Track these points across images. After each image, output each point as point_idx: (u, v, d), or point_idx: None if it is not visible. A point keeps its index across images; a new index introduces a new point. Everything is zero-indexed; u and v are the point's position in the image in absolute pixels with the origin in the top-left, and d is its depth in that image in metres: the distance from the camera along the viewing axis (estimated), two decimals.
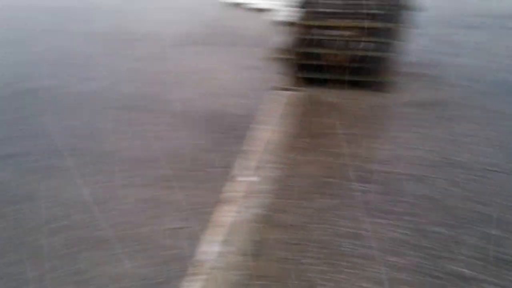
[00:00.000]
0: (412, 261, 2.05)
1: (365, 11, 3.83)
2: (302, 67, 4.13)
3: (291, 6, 3.91)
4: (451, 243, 2.15)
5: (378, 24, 3.80)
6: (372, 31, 3.85)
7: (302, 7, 3.91)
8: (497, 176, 2.68)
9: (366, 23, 3.82)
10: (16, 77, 4.72)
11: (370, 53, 3.92)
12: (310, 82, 4.14)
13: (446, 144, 3.09)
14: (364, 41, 3.93)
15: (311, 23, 3.93)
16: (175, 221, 2.37)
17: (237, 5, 8.15)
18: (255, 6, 7.75)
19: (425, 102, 3.75)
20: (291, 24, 3.94)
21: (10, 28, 7.21)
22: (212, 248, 2.15)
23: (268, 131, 3.33)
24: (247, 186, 2.65)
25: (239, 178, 2.71)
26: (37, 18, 7.87)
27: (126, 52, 5.52)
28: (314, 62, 4.08)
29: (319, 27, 3.97)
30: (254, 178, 2.73)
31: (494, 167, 2.77)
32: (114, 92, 4.25)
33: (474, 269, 1.98)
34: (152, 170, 2.88)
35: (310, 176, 2.76)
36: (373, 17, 3.84)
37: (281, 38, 4.03)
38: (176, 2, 9.02)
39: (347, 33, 3.88)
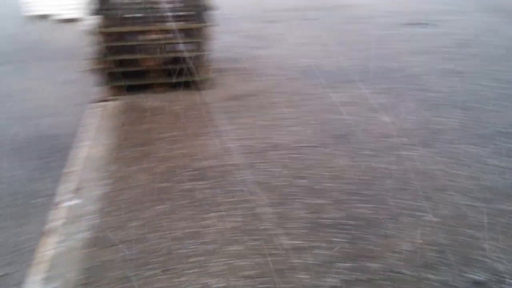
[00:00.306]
0: (251, 245, 2.12)
1: (167, 13, 3.87)
2: (117, 76, 3.95)
3: (94, 14, 3.68)
4: (282, 220, 2.29)
5: (184, 25, 3.88)
6: (179, 33, 3.91)
7: (102, 14, 3.72)
8: (312, 151, 2.97)
9: (171, 25, 3.86)
10: None
11: (181, 54, 3.98)
12: (128, 89, 3.98)
13: (267, 130, 3.31)
14: (173, 43, 3.99)
15: (116, 29, 3.78)
16: None
17: (43, 17, 7.37)
18: (61, 17, 7.12)
19: (242, 94, 3.96)
20: (98, 33, 3.71)
21: None
22: None
23: (90, 146, 3.08)
24: (71, 211, 2.38)
25: (63, 204, 2.43)
26: None
27: None
28: (129, 69, 3.95)
29: (127, 33, 3.86)
30: (78, 201, 2.47)
31: (308, 143, 3.07)
32: None
33: (305, 238, 2.15)
34: None
35: (139, 185, 2.64)
36: (177, 18, 3.91)
37: (92, 48, 3.77)
38: None
39: (154, 36, 3.85)
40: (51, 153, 3.06)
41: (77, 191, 2.56)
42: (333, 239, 2.14)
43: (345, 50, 5.09)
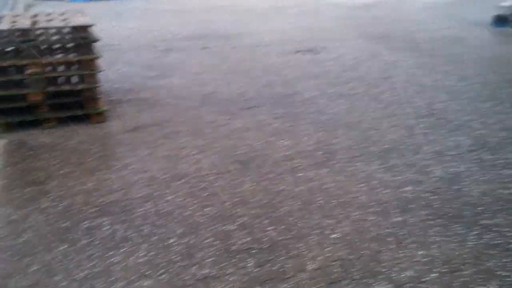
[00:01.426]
0: (161, 279, 2.04)
1: (52, 46, 3.78)
2: (2, 112, 3.64)
3: None
4: (191, 250, 2.25)
5: (70, 58, 3.79)
6: (65, 65, 3.86)
7: None
8: (216, 178, 2.99)
9: (56, 58, 3.78)
10: None
11: (70, 87, 3.86)
12: (15, 126, 3.67)
13: (170, 160, 3.25)
14: (59, 76, 3.87)
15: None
16: None
17: None
18: None
19: (141, 125, 3.86)
20: None
21: None
22: None
23: None
24: None
25: None
26: None
27: None
28: (14, 105, 3.66)
29: (8, 67, 3.59)
30: None
31: (212, 171, 3.08)
32: None
33: (215, 267, 2.13)
34: None
35: (36, 227, 2.42)
36: (62, 51, 3.84)
37: None
38: None
39: (39, 70, 3.63)
40: None
41: None
42: (244, 265, 2.15)
43: (242, 77, 5.27)
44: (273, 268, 2.12)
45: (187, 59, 6.09)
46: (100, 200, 2.70)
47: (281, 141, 3.56)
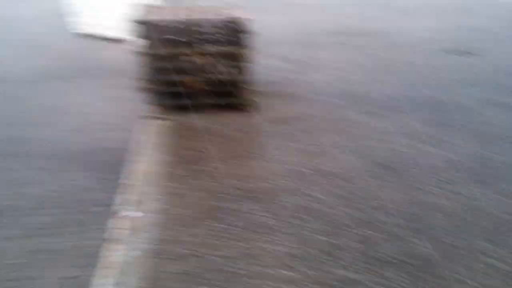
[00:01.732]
0: (303, 271, 2.10)
1: (210, 37, 3.96)
2: (165, 95, 4.08)
3: (140, 36, 3.82)
4: (333, 248, 2.27)
5: (227, 49, 3.97)
6: (222, 56, 4.01)
7: (147, 36, 3.84)
8: (360, 181, 2.94)
9: (214, 49, 3.97)
10: None
11: (226, 77, 4.06)
12: (177, 109, 4.08)
13: (315, 156, 3.30)
14: (217, 66, 4.06)
15: (162, 51, 3.90)
16: (67, 270, 2.15)
17: (90, 35, 7.66)
18: (109, 36, 7.37)
19: (287, 118, 3.97)
20: (145, 53, 3.85)
21: None
22: None
23: (145, 162, 3.17)
24: (132, 222, 2.48)
25: (123, 214, 2.53)
26: None
27: None
28: (176, 89, 4.05)
29: (172, 55, 3.96)
30: (138, 213, 2.56)
31: (356, 173, 3.04)
32: None
33: (357, 270, 2.12)
34: (32, 218, 2.56)
35: (194, 203, 2.69)
36: (220, 42, 4.00)
37: (141, 68, 3.90)
38: (20, 35, 8.09)
39: (199, 59, 3.94)
40: (106, 165, 3.15)
41: (134, 203, 2.65)
42: (390, 276, 2.10)
43: (389, 77, 5.06)
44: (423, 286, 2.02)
45: (332, 55, 6.07)
46: (249, 185, 2.87)
47: (432, 149, 3.35)
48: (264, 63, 5.32)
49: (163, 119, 3.95)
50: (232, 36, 3.95)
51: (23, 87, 4.99)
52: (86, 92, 4.73)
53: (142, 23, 3.78)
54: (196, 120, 3.90)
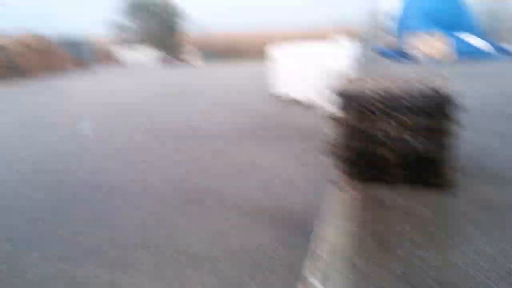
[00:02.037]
0: None
1: (409, 107, 3.74)
2: (356, 164, 4.00)
3: (336, 104, 3.87)
4: None
5: (428, 121, 3.70)
6: (423, 128, 3.75)
7: (345, 106, 3.85)
8: None
9: (413, 120, 3.73)
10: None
11: (424, 151, 3.77)
12: (367, 179, 3.95)
13: None
14: (416, 138, 3.80)
15: (358, 120, 3.86)
16: None
17: (288, 99, 8.30)
18: (305, 102, 7.86)
19: (496, 205, 3.42)
20: (339, 121, 3.89)
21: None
22: None
23: (332, 231, 3.12)
24: None
25: (310, 283, 2.51)
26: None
27: (179, 148, 5.56)
28: (368, 160, 3.94)
29: (368, 124, 3.88)
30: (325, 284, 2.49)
31: None
32: (171, 185, 4.18)
33: None
34: (219, 269, 2.74)
35: (375, 286, 2.47)
36: (418, 113, 3.75)
37: (333, 134, 3.95)
38: (223, 97, 9.33)
39: (395, 129, 3.75)
40: (292, 226, 3.21)
41: (321, 275, 2.60)
42: None
43: None
44: None
45: None
46: (452, 280, 2.49)
47: None
48: (468, 138, 4.81)
49: (352, 188, 3.86)
50: (433, 108, 3.70)
51: (219, 142, 5.59)
52: (277, 153, 5.02)
53: (340, 93, 3.86)
54: (388, 193, 3.69)
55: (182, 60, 22.59)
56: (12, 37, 17.37)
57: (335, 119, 3.92)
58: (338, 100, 3.88)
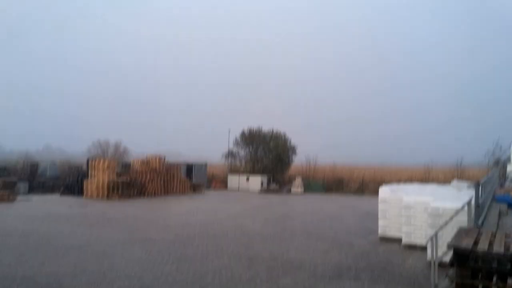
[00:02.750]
0: None
1: None
2: None
3: (453, 260, 3.47)
4: None
5: None
6: None
7: (461, 262, 3.43)
8: None
9: None
10: None
11: None
12: None
13: None
14: None
15: (471, 278, 3.42)
16: None
17: (393, 240, 7.83)
18: (413, 244, 7.33)
19: None
20: (451, 276, 3.46)
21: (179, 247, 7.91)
22: None
23: None
24: None
25: None
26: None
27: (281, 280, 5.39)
28: None
29: (483, 283, 3.43)
30: None
31: None
32: None
33: None
34: None
35: None
36: None
37: (440, 283, 3.51)
38: (328, 232, 9.14)
39: None
40: None
41: None
42: None
43: None
44: None
45: None
46: None
47: None
48: None
49: None
50: None
51: (315, 280, 5.26)
52: None
53: (455, 248, 3.49)
54: None
55: (285, 188, 23.12)
56: (141, 160, 19.69)
57: (450, 275, 3.51)
58: (454, 255, 3.51)
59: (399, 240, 7.69)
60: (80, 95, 72.28)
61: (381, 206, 8.38)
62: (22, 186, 19.17)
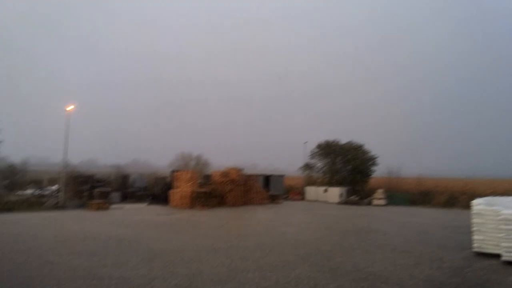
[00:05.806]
0: None
1: None
2: None
3: None
4: None
5: None
6: None
7: None
8: None
9: None
10: None
11: None
12: None
13: None
14: None
15: None
16: None
17: (491, 256, 7.24)
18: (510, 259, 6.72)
19: None
20: None
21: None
22: None
23: None
24: None
25: None
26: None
27: None
28: None
29: None
30: None
31: None
32: None
33: None
34: None
35: None
36: None
37: None
38: (416, 246, 8.71)
39: None
40: None
41: None
42: None
43: None
44: None
45: None
46: None
47: None
48: None
49: None
50: None
51: None
52: None
53: None
54: None
55: (366, 200, 22.35)
56: (221, 171, 20.42)
57: None
58: None
59: (497, 256, 7.09)
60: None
61: (475, 220, 7.80)
62: (115, 195, 20.95)
